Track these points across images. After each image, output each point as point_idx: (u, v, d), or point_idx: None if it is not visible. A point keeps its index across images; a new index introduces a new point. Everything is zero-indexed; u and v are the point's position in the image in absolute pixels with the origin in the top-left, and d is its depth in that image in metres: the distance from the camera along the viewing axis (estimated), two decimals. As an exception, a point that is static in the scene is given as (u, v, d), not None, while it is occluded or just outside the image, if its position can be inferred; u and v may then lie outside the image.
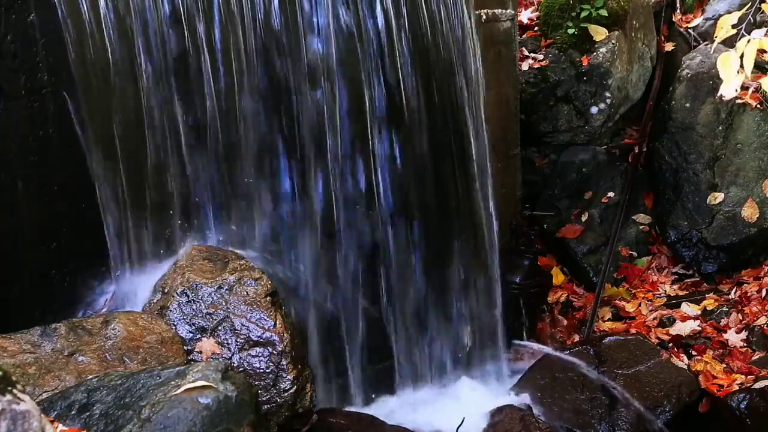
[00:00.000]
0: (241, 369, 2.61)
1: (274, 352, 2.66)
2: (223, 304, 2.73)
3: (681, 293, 4.55)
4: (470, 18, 3.53)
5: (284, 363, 2.66)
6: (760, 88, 3.95)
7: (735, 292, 4.41)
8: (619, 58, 4.70)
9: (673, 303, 4.44)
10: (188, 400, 1.95)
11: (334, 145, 3.29)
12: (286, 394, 2.64)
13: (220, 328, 2.69)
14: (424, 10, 3.37)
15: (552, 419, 3.49)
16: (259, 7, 3.03)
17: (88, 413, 2.04)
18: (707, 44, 4.84)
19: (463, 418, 3.33)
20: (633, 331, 4.20)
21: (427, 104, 3.48)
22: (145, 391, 2.04)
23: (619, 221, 4.70)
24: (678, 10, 5.20)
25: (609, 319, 4.42)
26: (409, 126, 3.44)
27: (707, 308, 4.32)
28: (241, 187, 3.18)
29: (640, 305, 4.45)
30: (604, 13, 4.62)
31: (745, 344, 4.06)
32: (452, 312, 3.79)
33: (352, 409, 3.43)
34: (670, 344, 4.13)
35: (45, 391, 2.29)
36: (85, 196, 2.84)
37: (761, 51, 3.58)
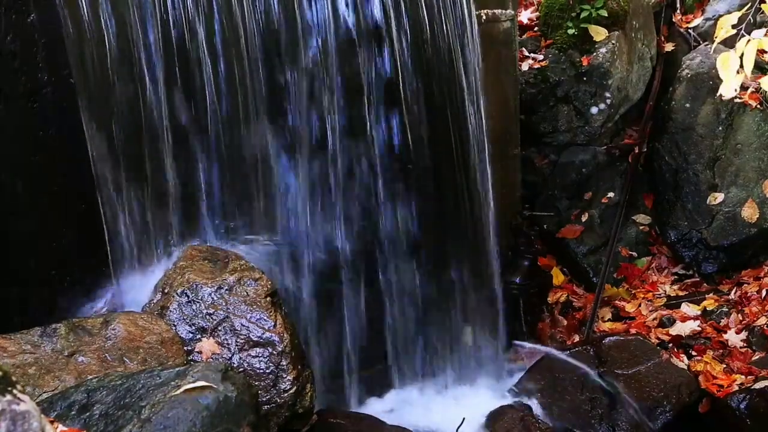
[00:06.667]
0: (241, 369, 2.61)
1: (274, 352, 2.66)
2: (223, 304, 2.73)
3: (681, 293, 4.55)
4: (470, 18, 3.53)
5: (284, 363, 2.66)
6: (760, 88, 3.95)
7: (735, 293, 4.41)
8: (619, 58, 4.70)
9: (673, 303, 4.44)
10: (188, 400, 1.95)
11: (333, 146, 3.29)
12: (286, 394, 2.64)
13: (220, 328, 2.69)
14: (424, 11, 3.38)
15: (552, 419, 3.49)
16: (260, 8, 3.03)
17: (88, 413, 2.04)
18: (707, 44, 4.83)
19: (463, 418, 3.33)
20: (633, 331, 4.19)
21: (427, 105, 3.48)
22: (145, 391, 2.04)
23: (619, 221, 4.70)
24: (678, 10, 5.20)
25: (609, 320, 4.42)
26: (410, 127, 3.44)
27: (707, 308, 4.32)
28: (242, 186, 3.18)
29: (640, 305, 4.45)
30: (604, 13, 4.61)
31: (745, 344, 4.06)
32: (452, 312, 3.79)
33: (352, 409, 3.43)
34: (670, 344, 4.13)
35: (45, 392, 2.28)
36: (85, 196, 2.84)
37: (761, 51, 3.58)
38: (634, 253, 4.74)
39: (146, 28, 2.83)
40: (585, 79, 4.67)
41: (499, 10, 4.05)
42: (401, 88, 3.37)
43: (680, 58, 4.93)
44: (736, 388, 3.64)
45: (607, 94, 4.70)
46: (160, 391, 2.01)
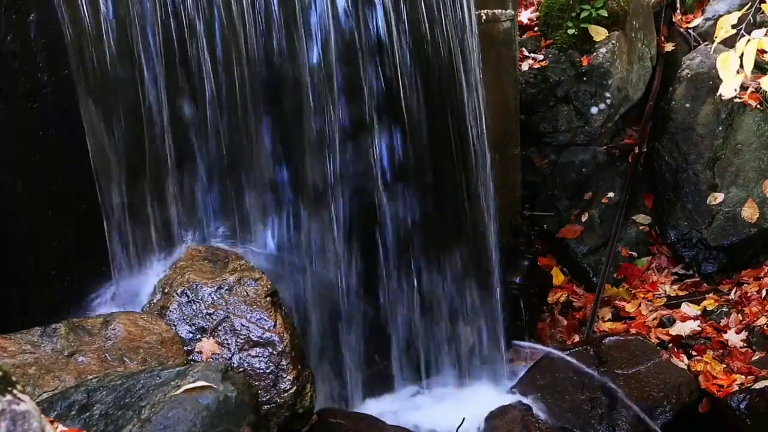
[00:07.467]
0: (241, 369, 2.61)
1: (274, 352, 2.66)
2: (223, 304, 2.73)
3: (681, 293, 4.55)
4: (470, 18, 3.53)
5: (284, 363, 2.66)
6: (760, 88, 3.95)
7: (735, 293, 4.41)
8: (619, 58, 4.70)
9: (673, 303, 4.44)
10: (188, 400, 1.95)
11: (333, 147, 3.29)
12: (286, 394, 2.64)
13: (220, 328, 2.69)
14: (424, 11, 3.37)
15: (552, 419, 3.49)
16: (259, 7, 3.03)
17: (88, 413, 2.04)
18: (707, 44, 4.84)
19: (463, 418, 3.33)
20: (633, 331, 4.20)
21: (427, 105, 3.48)
22: (145, 391, 2.04)
23: (619, 221, 4.70)
24: (678, 10, 5.20)
25: (609, 320, 4.42)
26: (410, 127, 3.44)
27: (707, 308, 4.33)
28: (242, 186, 3.18)
29: (640, 305, 4.45)
30: (604, 13, 4.61)
31: (745, 344, 4.06)
32: (452, 312, 3.78)
33: (352, 409, 3.43)
34: (670, 344, 4.13)
35: (45, 392, 2.28)
36: (85, 196, 2.84)
37: (761, 51, 3.59)
38: (634, 253, 4.74)
39: (146, 28, 2.83)
40: (585, 79, 4.67)
41: (499, 10, 4.05)
42: (401, 87, 3.37)
43: (680, 58, 4.94)
44: (736, 388, 3.64)
45: (607, 94, 4.70)
46: (160, 391, 2.01)
